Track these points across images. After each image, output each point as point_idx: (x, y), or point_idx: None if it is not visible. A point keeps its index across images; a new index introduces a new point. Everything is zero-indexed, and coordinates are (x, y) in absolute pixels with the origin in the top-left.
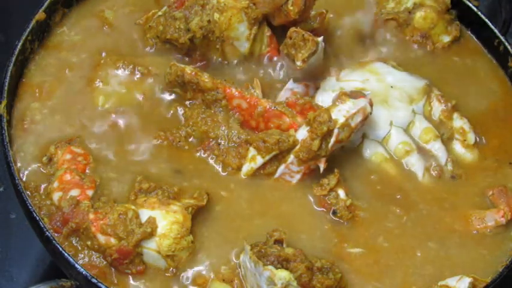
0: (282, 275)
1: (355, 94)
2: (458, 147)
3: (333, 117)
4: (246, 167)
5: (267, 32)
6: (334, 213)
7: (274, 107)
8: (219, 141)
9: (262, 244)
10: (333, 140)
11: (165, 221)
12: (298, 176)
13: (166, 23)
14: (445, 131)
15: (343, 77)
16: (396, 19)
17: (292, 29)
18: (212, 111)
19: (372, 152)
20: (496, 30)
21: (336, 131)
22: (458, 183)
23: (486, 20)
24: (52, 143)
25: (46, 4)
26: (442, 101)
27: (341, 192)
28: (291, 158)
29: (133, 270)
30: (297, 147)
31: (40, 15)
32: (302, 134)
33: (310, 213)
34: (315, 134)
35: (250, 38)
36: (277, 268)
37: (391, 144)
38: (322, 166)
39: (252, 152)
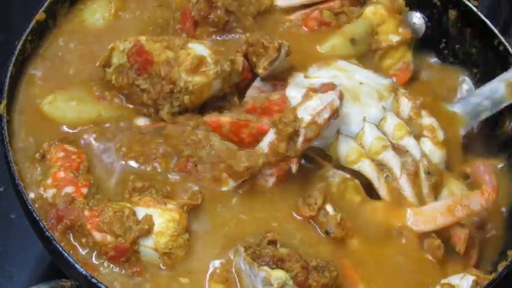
0: (278, 275)
1: (325, 87)
2: (427, 144)
3: (299, 115)
4: (223, 188)
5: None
6: (328, 233)
7: (237, 119)
8: (196, 161)
9: (256, 245)
10: (300, 139)
11: (162, 218)
12: (272, 179)
13: (131, 90)
14: (414, 129)
15: (311, 74)
16: (346, 13)
17: (252, 36)
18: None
19: (347, 148)
20: (496, 30)
21: (302, 130)
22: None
23: (486, 20)
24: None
25: (46, 4)
26: (409, 99)
27: (329, 209)
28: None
29: (131, 271)
30: (266, 150)
31: (40, 15)
32: (270, 136)
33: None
34: (281, 136)
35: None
36: (272, 268)
37: (366, 140)
38: (293, 167)
39: (224, 175)
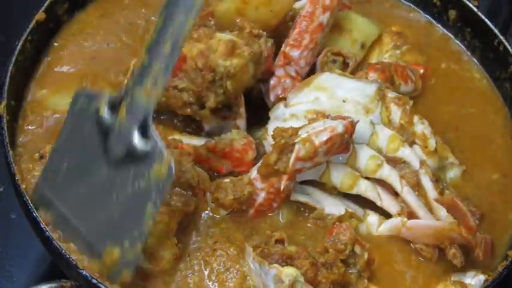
0: (289, 271)
1: (337, 117)
2: (418, 153)
3: (299, 133)
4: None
5: None
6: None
7: (199, 153)
8: None
9: (264, 244)
10: (293, 156)
11: None
12: (262, 195)
13: (168, 94)
14: (407, 136)
15: (290, 102)
16: None
17: None
18: None
19: (341, 174)
20: (496, 30)
21: (296, 146)
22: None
23: (486, 20)
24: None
25: (46, 4)
26: (399, 105)
27: (357, 249)
28: (254, 173)
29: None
30: (260, 162)
31: (40, 15)
32: (268, 149)
33: None
34: (274, 147)
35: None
36: (282, 266)
37: (360, 163)
38: (282, 184)
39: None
